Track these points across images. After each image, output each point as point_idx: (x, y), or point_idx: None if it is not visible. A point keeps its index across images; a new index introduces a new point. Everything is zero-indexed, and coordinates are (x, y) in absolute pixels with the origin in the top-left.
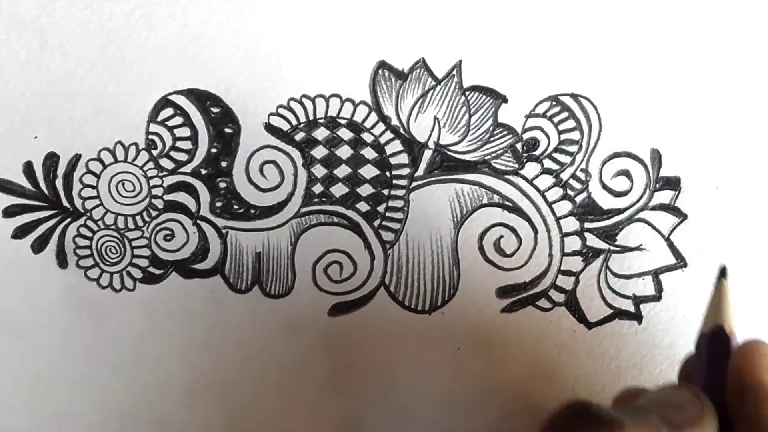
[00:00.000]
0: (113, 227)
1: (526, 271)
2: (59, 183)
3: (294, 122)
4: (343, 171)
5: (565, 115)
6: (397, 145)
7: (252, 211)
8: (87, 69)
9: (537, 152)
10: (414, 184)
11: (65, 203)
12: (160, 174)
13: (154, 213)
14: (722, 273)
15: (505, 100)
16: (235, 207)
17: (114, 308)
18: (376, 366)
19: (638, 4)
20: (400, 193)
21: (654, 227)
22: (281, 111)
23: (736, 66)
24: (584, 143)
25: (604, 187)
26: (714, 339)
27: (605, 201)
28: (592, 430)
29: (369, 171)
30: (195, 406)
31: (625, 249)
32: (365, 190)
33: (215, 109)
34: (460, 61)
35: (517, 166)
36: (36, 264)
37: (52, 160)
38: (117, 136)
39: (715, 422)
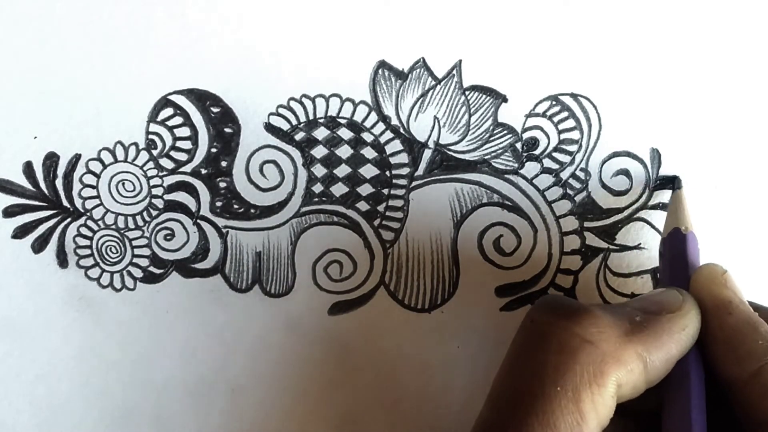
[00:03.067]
0: (113, 227)
1: (526, 269)
2: (59, 183)
3: (294, 122)
4: (343, 170)
5: (565, 114)
6: (397, 145)
7: (252, 210)
8: (87, 69)
9: (537, 152)
10: (414, 183)
11: (65, 203)
12: (160, 174)
13: (154, 213)
14: (676, 184)
15: (505, 99)
16: (236, 206)
17: (114, 308)
18: (376, 365)
19: (638, 4)
20: (400, 192)
21: (653, 226)
22: (281, 111)
23: (736, 66)
24: (584, 143)
25: (604, 186)
26: (672, 239)
27: (605, 200)
28: (563, 316)
29: (369, 170)
30: (195, 406)
31: (624, 248)
32: (365, 189)
33: (215, 109)
34: (460, 61)
35: (516, 165)
36: (36, 264)
37: (52, 160)
38: (117, 136)
39: (696, 311)
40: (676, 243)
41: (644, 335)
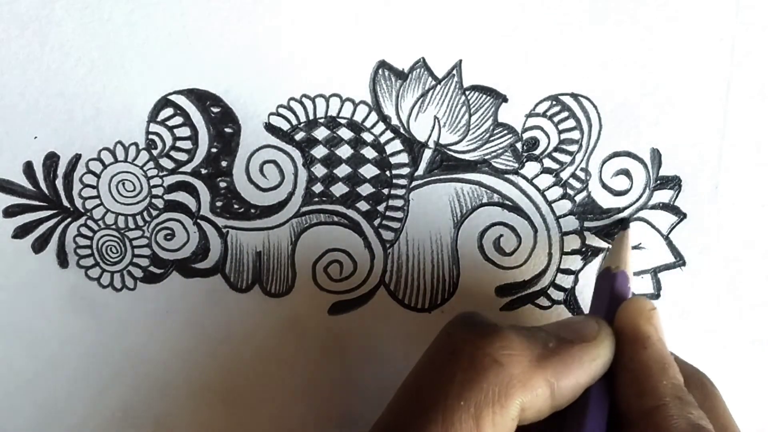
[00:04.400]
0: (114, 227)
1: (526, 269)
2: (59, 183)
3: (294, 122)
4: (343, 170)
5: (565, 114)
6: (397, 145)
7: (252, 210)
8: (87, 69)
9: (537, 151)
10: (414, 183)
11: (65, 203)
12: (161, 174)
13: (154, 212)
14: (623, 224)
15: (505, 99)
16: (236, 206)
17: (114, 308)
18: (376, 364)
19: (638, 4)
20: (400, 192)
21: (653, 226)
22: (281, 111)
23: (736, 66)
24: (584, 143)
25: (604, 186)
26: (605, 276)
27: (605, 200)
28: (477, 334)
29: (369, 170)
30: (195, 406)
31: None
32: (365, 189)
33: (215, 109)
34: (460, 61)
35: (517, 165)
36: (36, 264)
37: (52, 160)
38: (117, 136)
39: (610, 342)
40: (606, 280)
41: (555, 361)
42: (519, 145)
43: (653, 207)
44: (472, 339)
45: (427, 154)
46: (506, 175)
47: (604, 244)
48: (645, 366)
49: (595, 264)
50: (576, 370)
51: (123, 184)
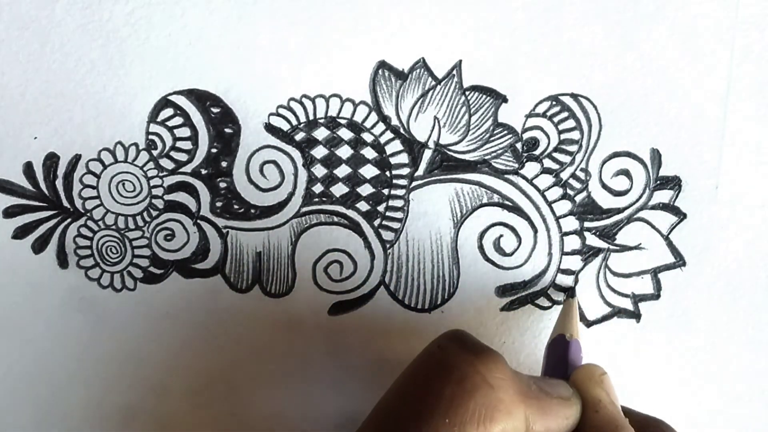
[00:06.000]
0: (114, 227)
1: (526, 269)
2: (59, 183)
3: (294, 122)
4: (343, 171)
5: (565, 114)
6: (397, 145)
7: (252, 210)
8: (87, 69)
9: (537, 152)
10: (414, 183)
11: (65, 203)
12: (161, 174)
13: (154, 213)
14: (570, 293)
15: (505, 99)
16: (236, 207)
17: (114, 308)
18: (376, 365)
19: (638, 4)
20: (400, 192)
21: (653, 226)
22: (281, 111)
23: (736, 66)
24: (584, 143)
25: (604, 186)
26: (557, 343)
27: (605, 200)
28: (471, 351)
29: (369, 171)
30: (195, 405)
31: (624, 248)
32: (365, 189)
33: (215, 109)
34: (460, 61)
35: (517, 165)
36: (36, 264)
37: (52, 160)
38: (117, 136)
39: (578, 409)
40: (560, 347)
41: (535, 403)
42: (519, 146)
43: (653, 207)
44: (466, 355)
45: (427, 154)
46: (506, 176)
47: (604, 244)
48: (598, 428)
49: (596, 264)
50: (553, 419)
51: (123, 184)
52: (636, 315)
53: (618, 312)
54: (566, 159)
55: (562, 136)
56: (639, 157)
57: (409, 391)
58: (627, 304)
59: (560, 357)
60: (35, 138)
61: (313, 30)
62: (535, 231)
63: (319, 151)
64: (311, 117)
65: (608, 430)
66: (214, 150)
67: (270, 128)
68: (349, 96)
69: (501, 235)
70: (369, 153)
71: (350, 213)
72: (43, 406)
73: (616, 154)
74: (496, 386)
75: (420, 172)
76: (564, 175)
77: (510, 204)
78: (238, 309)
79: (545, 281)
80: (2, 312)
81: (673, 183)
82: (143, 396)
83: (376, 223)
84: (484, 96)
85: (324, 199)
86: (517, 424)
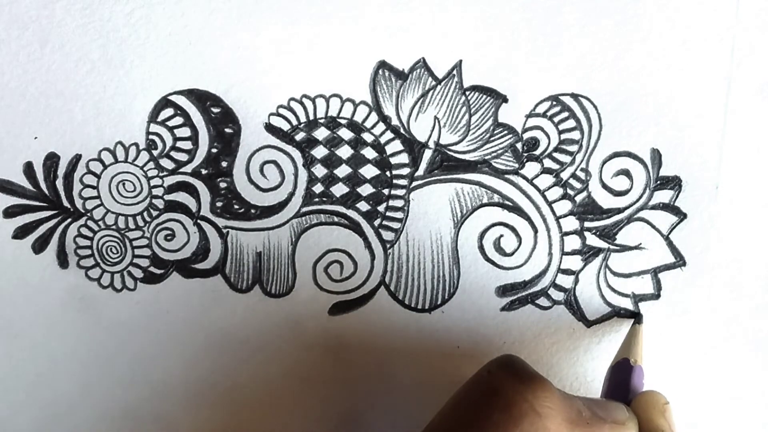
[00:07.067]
0: (114, 227)
1: (526, 269)
2: (59, 183)
3: (294, 122)
4: (343, 171)
5: (565, 114)
6: (397, 145)
7: (252, 210)
8: (87, 69)
9: (537, 152)
10: (414, 183)
11: (66, 203)
12: (161, 174)
13: (154, 213)
14: (637, 319)
15: (505, 100)
16: (236, 207)
17: (115, 308)
18: (377, 364)
19: (638, 5)
20: (401, 192)
21: (653, 226)
22: (281, 111)
23: (736, 66)
24: (584, 143)
25: (604, 186)
26: (621, 367)
27: (605, 200)
28: (519, 378)
29: (369, 171)
30: (195, 406)
31: (624, 248)
32: (365, 189)
33: (215, 109)
34: (460, 61)
35: (517, 165)
36: (36, 264)
37: (52, 160)
38: (117, 136)
39: (636, 431)
40: (623, 371)
41: (584, 431)
42: (519, 146)
43: (653, 207)
44: (513, 382)
45: (428, 154)
46: (506, 176)
47: (604, 244)
48: None
49: (596, 264)
50: None
51: (123, 184)
52: (636, 315)
53: (618, 312)
54: (566, 159)
55: (563, 136)
56: (639, 157)
57: (458, 416)
58: (627, 304)
59: (622, 381)
60: (35, 138)
61: (313, 30)
62: (536, 231)
63: (320, 151)
64: (311, 117)
65: None
66: (214, 150)
67: (270, 128)
68: (350, 96)
69: (501, 235)
70: (369, 153)
71: (350, 213)
72: (42, 406)
73: (616, 154)
74: (544, 414)
75: (420, 172)
76: (564, 175)
77: (510, 204)
78: (238, 309)
79: (545, 281)
80: (2, 312)
81: (674, 183)
82: (143, 396)
83: (377, 223)
84: (485, 96)
85: (324, 199)
86: None
